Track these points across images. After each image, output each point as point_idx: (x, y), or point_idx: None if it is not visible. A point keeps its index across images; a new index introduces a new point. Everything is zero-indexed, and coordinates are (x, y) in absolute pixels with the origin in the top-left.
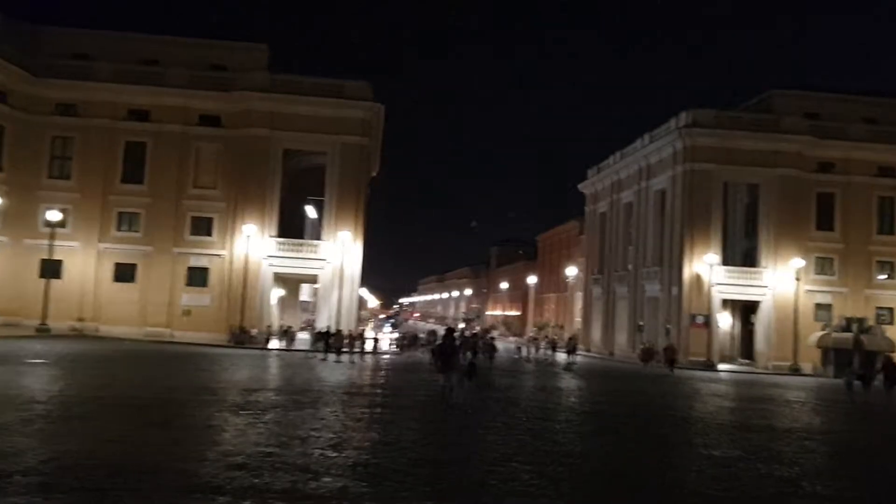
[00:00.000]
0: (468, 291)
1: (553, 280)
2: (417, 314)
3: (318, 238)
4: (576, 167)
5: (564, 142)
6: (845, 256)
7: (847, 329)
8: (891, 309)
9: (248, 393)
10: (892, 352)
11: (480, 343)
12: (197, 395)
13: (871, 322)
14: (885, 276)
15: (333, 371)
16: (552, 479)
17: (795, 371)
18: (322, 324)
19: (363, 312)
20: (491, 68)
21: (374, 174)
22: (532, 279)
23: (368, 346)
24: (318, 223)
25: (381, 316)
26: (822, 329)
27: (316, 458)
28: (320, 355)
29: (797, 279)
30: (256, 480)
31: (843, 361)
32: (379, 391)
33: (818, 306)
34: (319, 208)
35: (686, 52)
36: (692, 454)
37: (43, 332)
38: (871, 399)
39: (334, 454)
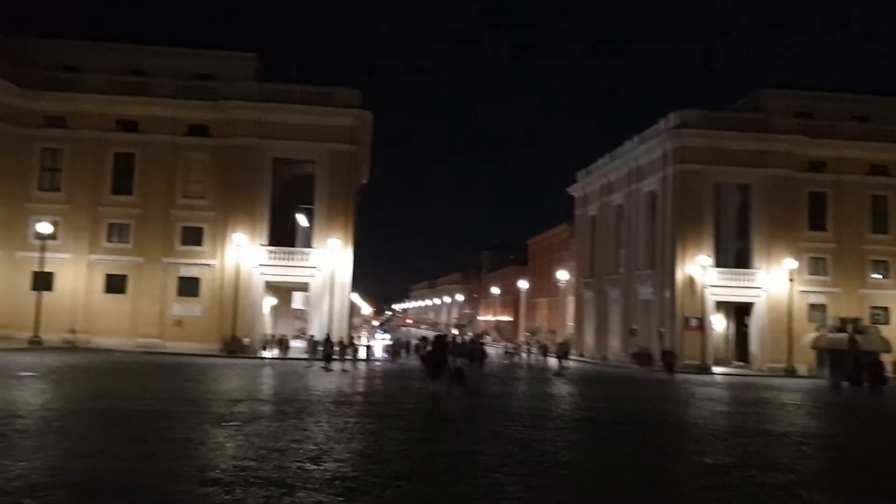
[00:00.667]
0: (460, 297)
1: (545, 284)
2: (410, 320)
3: (310, 246)
4: (571, 169)
5: (560, 143)
6: (838, 256)
7: (842, 330)
8: (886, 308)
9: (233, 403)
10: (888, 352)
11: (470, 348)
12: (181, 406)
13: (865, 322)
14: (880, 276)
15: (323, 379)
16: (538, 492)
17: (790, 373)
18: (314, 331)
19: (356, 319)
20: (486, 70)
21: (363, 181)
22: (524, 284)
23: (361, 353)
24: (310, 231)
25: (375, 323)
26: (817, 330)
27: (293, 472)
28: (316, 364)
29: (790, 280)
30: (228, 497)
31: (838, 362)
32: (366, 399)
33: (812, 307)
34: (310, 216)
35: (693, 52)
36: (685, 462)
37: (35, 344)
38: (858, 400)
39: (313, 467)
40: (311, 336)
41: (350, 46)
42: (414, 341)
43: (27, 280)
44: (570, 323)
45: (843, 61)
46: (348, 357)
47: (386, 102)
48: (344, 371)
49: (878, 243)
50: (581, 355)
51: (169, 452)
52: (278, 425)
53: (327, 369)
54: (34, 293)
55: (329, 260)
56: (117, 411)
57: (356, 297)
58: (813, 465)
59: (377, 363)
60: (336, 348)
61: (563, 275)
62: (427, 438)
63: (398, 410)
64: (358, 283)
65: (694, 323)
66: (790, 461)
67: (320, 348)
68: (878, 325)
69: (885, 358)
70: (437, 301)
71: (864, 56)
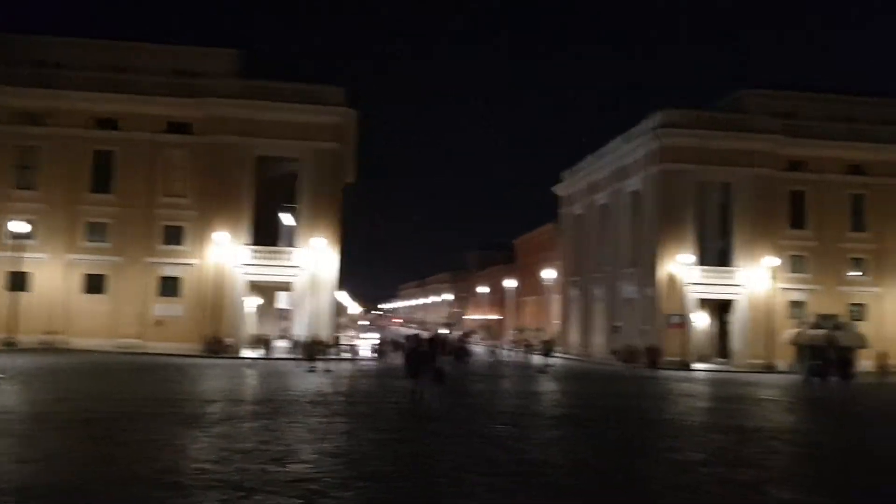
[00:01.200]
0: (448, 296)
1: (532, 283)
2: (399, 319)
3: (294, 245)
4: (560, 167)
5: (548, 142)
6: (818, 254)
7: (820, 326)
8: (864, 305)
9: (206, 404)
10: (865, 348)
11: (455, 347)
12: (153, 407)
13: (843, 319)
14: (858, 273)
15: (305, 380)
16: (504, 492)
17: (770, 369)
18: (299, 331)
19: (342, 319)
20: (474, 69)
21: (350, 180)
22: (511, 283)
23: (347, 353)
24: (294, 230)
25: (363, 322)
26: (796, 327)
27: (254, 474)
28: (300, 364)
29: (771, 277)
30: (183, 501)
31: (814, 358)
32: (345, 399)
33: (792, 304)
34: (295, 215)
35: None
36: (657, 459)
37: (10, 345)
38: (829, 394)
39: (275, 468)
40: (296, 336)
41: (344, 43)
42: (401, 340)
43: (2, 280)
44: (556, 321)
45: (839, 61)
46: (333, 357)
47: (382, 100)
48: (328, 371)
49: (857, 241)
50: (566, 353)
51: (130, 454)
52: (249, 426)
53: (311, 369)
54: (10, 294)
55: (313, 259)
56: (85, 413)
57: (344, 297)
58: (783, 461)
59: (363, 363)
60: (321, 348)
61: (549, 273)
62: (401, 438)
63: (376, 410)
64: (345, 283)
65: (676, 320)
66: (760, 457)
67: (300, 349)
68: (855, 322)
69: (862, 353)
70: (425, 300)
71: (861, 56)
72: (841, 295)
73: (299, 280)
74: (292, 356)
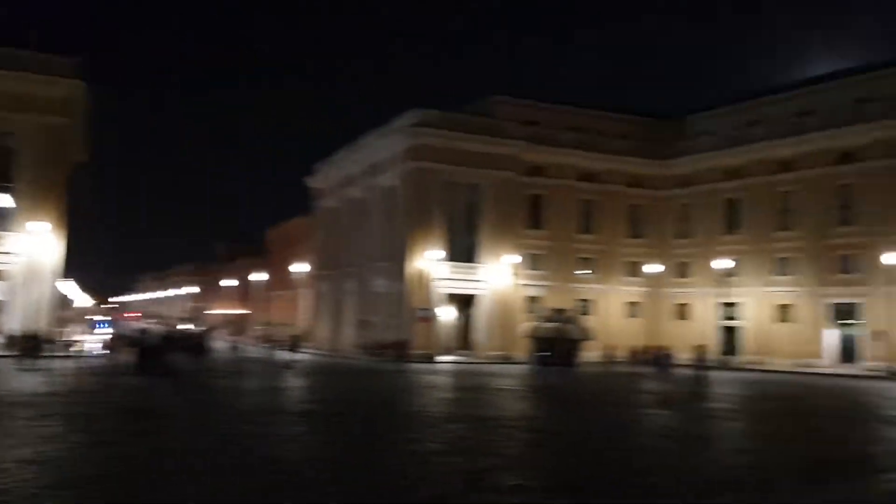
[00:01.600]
0: (193, 289)
1: (282, 277)
2: (136, 313)
3: (8, 229)
4: (309, 161)
5: (301, 135)
6: (553, 253)
7: (553, 320)
8: (590, 301)
9: None
10: (589, 340)
11: (192, 342)
12: None
13: (573, 313)
14: (587, 272)
15: (16, 379)
16: (218, 491)
17: (508, 360)
18: (13, 325)
19: (68, 312)
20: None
21: (82, 159)
22: (260, 276)
23: (73, 348)
24: (11, 212)
25: (95, 316)
26: (532, 320)
27: None
28: (15, 361)
29: (512, 274)
30: None
31: (544, 349)
32: (60, 399)
33: (530, 299)
34: (14, 195)
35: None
36: (394, 451)
37: None
38: (556, 382)
39: None
40: (10, 330)
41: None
42: (135, 335)
43: None
44: (306, 315)
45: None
46: (55, 353)
47: (124, 78)
48: (46, 369)
49: (586, 242)
50: (316, 348)
51: None
52: None
53: (26, 368)
54: None
55: (32, 245)
56: None
57: (72, 287)
58: (515, 447)
59: (91, 359)
60: (39, 344)
61: (300, 267)
62: (117, 440)
63: (94, 411)
64: (74, 272)
65: (423, 314)
66: (496, 444)
67: (22, 344)
68: (583, 316)
69: (589, 345)
70: (166, 293)
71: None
72: (571, 291)
73: (15, 268)
74: (5, 353)
